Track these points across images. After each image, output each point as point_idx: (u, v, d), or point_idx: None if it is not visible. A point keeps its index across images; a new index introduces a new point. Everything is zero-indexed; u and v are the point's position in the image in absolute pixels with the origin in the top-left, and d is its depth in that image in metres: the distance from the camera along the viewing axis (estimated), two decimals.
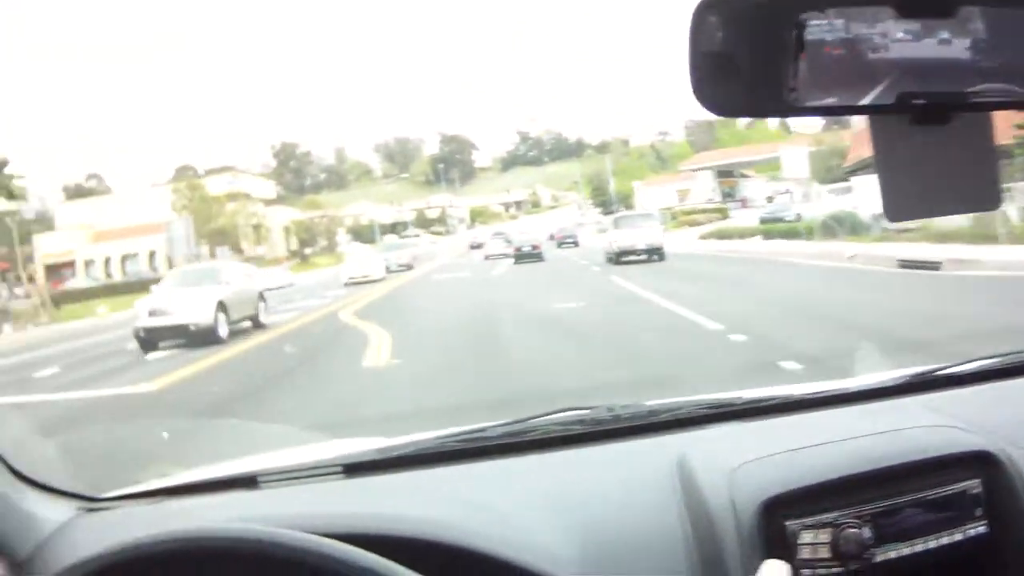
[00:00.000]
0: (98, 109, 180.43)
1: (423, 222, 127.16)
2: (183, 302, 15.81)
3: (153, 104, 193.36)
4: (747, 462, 1.41)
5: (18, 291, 41.38)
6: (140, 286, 47.56)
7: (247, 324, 17.94)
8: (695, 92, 1.01)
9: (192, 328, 15.52)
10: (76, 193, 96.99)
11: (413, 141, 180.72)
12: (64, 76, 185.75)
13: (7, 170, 37.56)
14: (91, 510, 1.64)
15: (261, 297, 19.01)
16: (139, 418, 9.27)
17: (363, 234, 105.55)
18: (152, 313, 15.85)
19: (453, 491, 1.50)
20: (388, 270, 41.09)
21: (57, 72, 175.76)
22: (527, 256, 37.44)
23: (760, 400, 1.76)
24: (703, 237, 38.41)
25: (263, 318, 18.57)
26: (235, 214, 64.41)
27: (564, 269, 30.25)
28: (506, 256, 43.39)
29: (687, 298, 14.20)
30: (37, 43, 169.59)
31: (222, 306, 16.23)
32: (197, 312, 15.71)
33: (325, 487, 1.65)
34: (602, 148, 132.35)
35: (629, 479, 1.47)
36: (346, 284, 33.08)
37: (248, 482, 1.70)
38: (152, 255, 65.19)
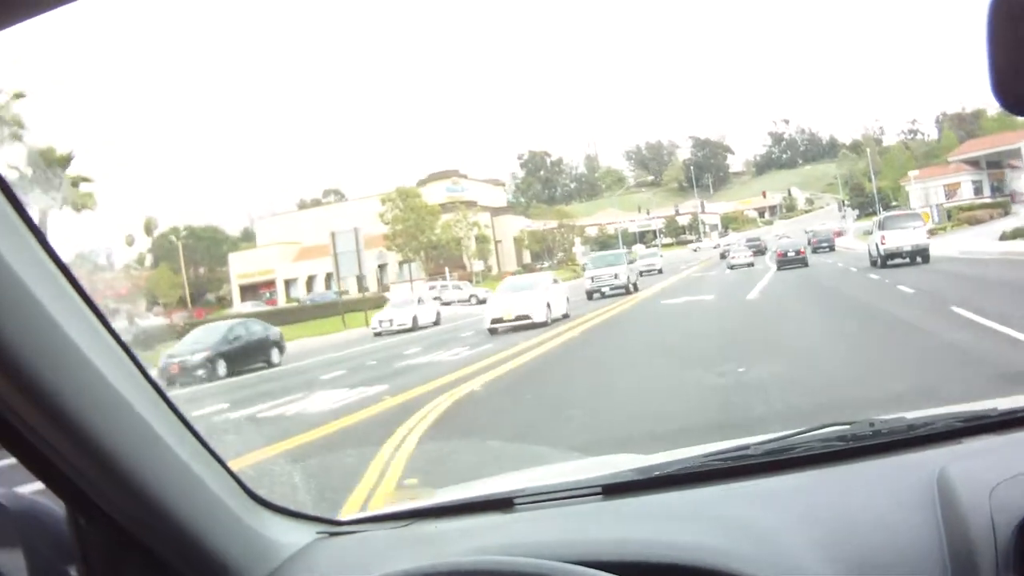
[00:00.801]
0: (347, 122, 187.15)
1: (673, 230, 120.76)
2: None
3: (401, 114, 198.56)
4: (1006, 479, 1.34)
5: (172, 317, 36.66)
6: (328, 309, 40.38)
7: None
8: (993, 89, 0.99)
9: None
10: (311, 207, 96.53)
11: (666, 147, 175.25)
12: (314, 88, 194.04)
13: (71, 171, 29.60)
14: (333, 534, 1.64)
15: None
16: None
17: (608, 244, 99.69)
18: None
19: (715, 512, 1.46)
20: (602, 293, 30.73)
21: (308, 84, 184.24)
22: (791, 261, 35.84)
23: (1016, 411, 1.68)
24: (1006, 237, 32.11)
25: None
26: (450, 225, 57.48)
27: (842, 280, 24.16)
28: (749, 266, 41.17)
29: None
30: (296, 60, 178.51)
31: None
32: None
33: (583, 509, 1.59)
34: (855, 147, 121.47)
35: (889, 497, 1.41)
36: (490, 329, 22.27)
37: (503, 504, 1.65)
38: None
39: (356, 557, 1.54)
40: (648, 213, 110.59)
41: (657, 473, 1.64)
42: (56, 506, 1.37)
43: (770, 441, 1.67)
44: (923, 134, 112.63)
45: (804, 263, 35.39)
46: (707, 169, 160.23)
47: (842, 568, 1.25)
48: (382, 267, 57.90)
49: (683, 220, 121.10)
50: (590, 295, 31.08)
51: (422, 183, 68.08)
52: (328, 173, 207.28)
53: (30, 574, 1.35)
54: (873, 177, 79.93)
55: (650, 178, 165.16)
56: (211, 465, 1.44)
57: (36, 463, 1.23)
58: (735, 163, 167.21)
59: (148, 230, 29.86)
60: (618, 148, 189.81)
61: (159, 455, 1.31)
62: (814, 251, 45.39)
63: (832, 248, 49.07)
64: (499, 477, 2.09)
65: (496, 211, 74.74)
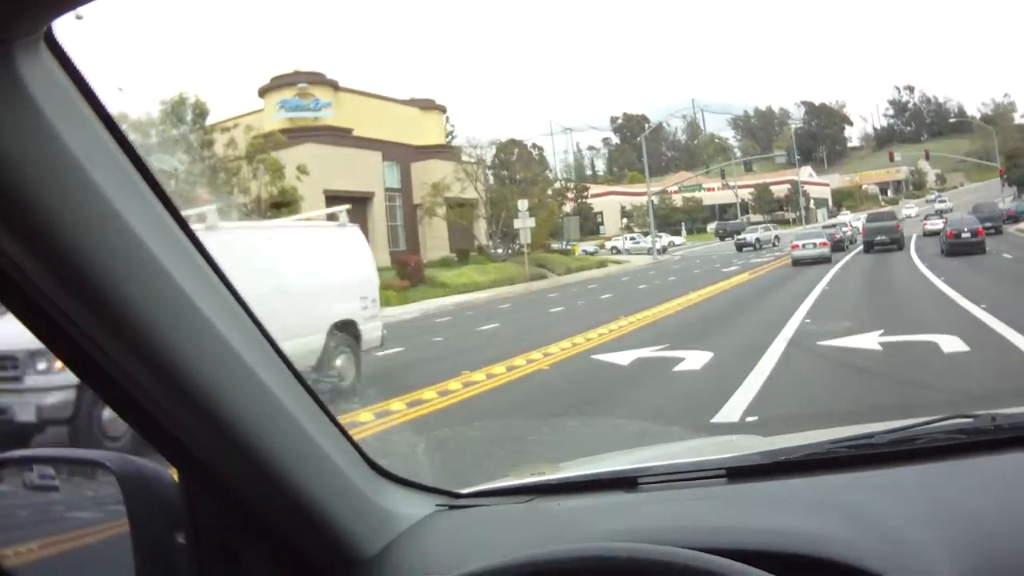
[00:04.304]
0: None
1: (765, 205, 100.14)
2: None
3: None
4: None
5: None
6: None
7: None
8: None
9: None
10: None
11: (778, 115, 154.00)
12: None
13: None
14: (452, 507, 1.59)
15: None
16: (509, 416, 8.30)
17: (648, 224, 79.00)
18: None
19: (840, 502, 1.40)
20: None
21: None
22: (966, 246, 29.64)
23: None
24: None
25: None
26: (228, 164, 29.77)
27: None
28: (825, 261, 33.00)
29: None
30: None
31: None
32: None
33: (706, 492, 1.54)
34: (988, 121, 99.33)
35: (1010, 494, 1.35)
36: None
37: (627, 483, 1.60)
38: None
39: (474, 532, 1.49)
40: (724, 179, 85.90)
41: (783, 458, 1.56)
42: (167, 472, 1.32)
43: (895, 430, 1.58)
44: None
45: (982, 249, 29.44)
46: (821, 140, 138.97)
47: (967, 569, 1.15)
48: None
49: (780, 192, 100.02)
50: None
51: (262, 93, 40.97)
52: None
53: (135, 540, 1.30)
54: None
55: (758, 149, 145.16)
56: (331, 432, 1.37)
57: (147, 427, 1.17)
58: (852, 138, 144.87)
59: None
60: (724, 115, 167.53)
61: (278, 420, 1.23)
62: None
63: (999, 230, 38.60)
64: (623, 453, 2.03)
65: (418, 153, 42.27)
